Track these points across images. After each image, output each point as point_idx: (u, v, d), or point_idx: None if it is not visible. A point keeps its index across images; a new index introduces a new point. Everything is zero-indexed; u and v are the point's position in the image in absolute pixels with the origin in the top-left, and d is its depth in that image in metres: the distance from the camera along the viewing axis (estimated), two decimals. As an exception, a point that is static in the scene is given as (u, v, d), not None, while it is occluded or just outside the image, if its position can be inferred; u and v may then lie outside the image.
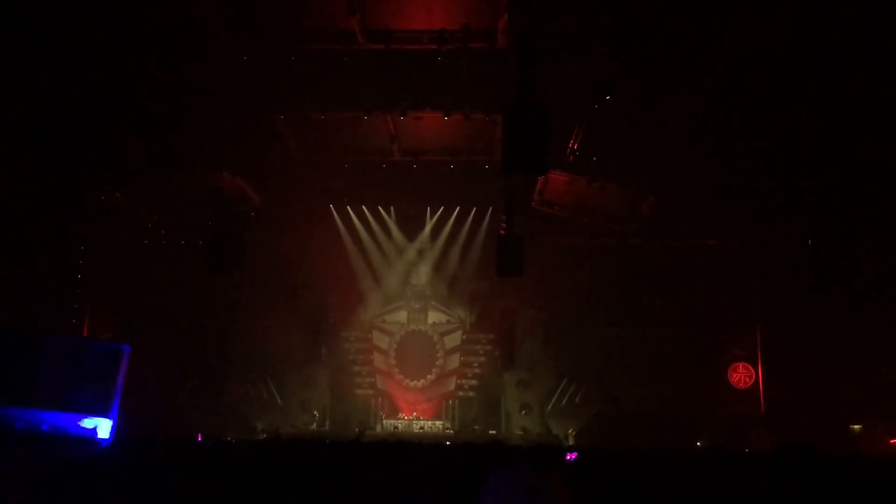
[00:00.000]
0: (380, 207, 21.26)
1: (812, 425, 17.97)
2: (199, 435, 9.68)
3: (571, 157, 15.84)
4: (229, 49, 13.34)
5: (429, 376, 21.05)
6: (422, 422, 20.00)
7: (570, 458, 7.34)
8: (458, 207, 20.98)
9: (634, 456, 8.06)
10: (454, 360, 21.19)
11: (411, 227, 21.44)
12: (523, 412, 20.47)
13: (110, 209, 18.25)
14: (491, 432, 20.04)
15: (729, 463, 7.63)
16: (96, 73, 12.36)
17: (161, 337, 19.89)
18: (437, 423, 20.06)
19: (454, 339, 21.34)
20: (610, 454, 8.05)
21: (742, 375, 19.97)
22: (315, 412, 20.43)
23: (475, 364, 21.28)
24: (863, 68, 12.65)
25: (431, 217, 21.29)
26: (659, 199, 17.51)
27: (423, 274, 21.54)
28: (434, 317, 21.52)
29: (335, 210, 21.09)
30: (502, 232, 17.27)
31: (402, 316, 21.57)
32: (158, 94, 14.28)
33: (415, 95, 14.95)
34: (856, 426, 17.36)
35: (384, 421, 20.22)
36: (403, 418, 20.22)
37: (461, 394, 21.03)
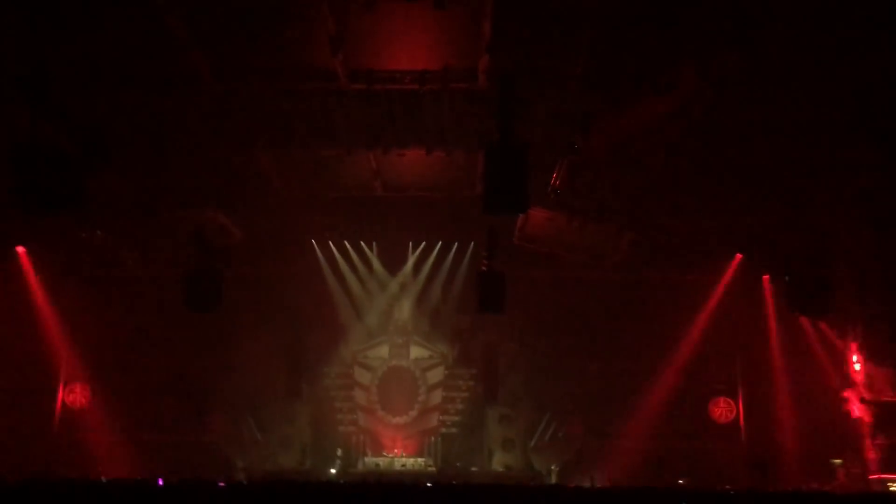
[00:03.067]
0: (362, 242, 21.25)
1: (793, 460, 18.14)
2: (161, 480, 9.55)
3: (552, 195, 15.96)
4: (212, 87, 13.39)
5: (411, 412, 20.89)
6: (404, 459, 19.79)
7: None
8: (440, 242, 21.05)
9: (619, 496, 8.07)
10: (437, 396, 21.07)
11: (393, 262, 21.44)
12: (506, 448, 20.37)
13: (89, 246, 18.12)
14: (473, 469, 19.91)
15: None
16: (78, 112, 12.43)
17: (139, 374, 19.76)
18: (420, 459, 19.84)
19: (437, 375, 21.23)
20: (592, 495, 8.05)
21: (723, 410, 20.05)
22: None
23: (458, 400, 21.14)
24: (840, 103, 12.95)
25: (413, 252, 21.32)
26: (638, 236, 17.69)
27: (405, 309, 21.49)
28: (416, 352, 21.42)
29: (317, 245, 21.06)
30: (484, 268, 17.33)
31: (383, 351, 21.45)
32: (140, 131, 14.30)
33: (397, 133, 15.04)
34: (836, 461, 17.42)
35: (366, 458, 20.00)
36: (385, 455, 20.00)
37: (444, 430, 20.84)
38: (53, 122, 11.76)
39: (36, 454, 17.88)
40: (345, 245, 21.20)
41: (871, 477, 15.85)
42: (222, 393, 20.11)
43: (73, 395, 20.12)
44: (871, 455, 16.27)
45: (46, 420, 19.63)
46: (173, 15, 11.33)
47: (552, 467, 19.59)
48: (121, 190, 15.86)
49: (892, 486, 15.15)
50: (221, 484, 9.59)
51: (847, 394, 17.24)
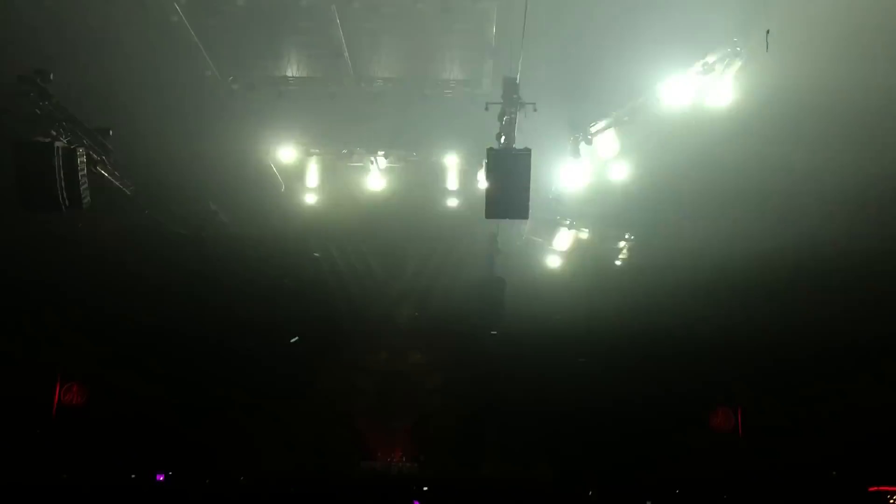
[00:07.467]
0: (363, 246, 21.15)
1: (795, 474, 18.05)
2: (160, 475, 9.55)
3: (554, 201, 15.96)
4: (220, 87, 13.40)
5: (409, 417, 20.85)
6: (401, 464, 19.72)
7: None
8: (441, 247, 20.93)
9: None
10: (435, 401, 21.02)
11: (394, 266, 21.35)
12: (505, 454, 20.33)
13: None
14: (471, 474, 19.84)
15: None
16: (80, 112, 12.41)
17: (138, 373, 19.62)
18: (416, 464, 19.79)
19: (435, 380, 21.19)
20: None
21: (721, 419, 19.98)
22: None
23: (456, 405, 21.07)
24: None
25: (414, 256, 21.20)
26: (638, 241, 17.72)
27: (405, 313, 21.45)
28: (415, 357, 21.39)
29: (318, 248, 20.90)
30: (483, 273, 17.31)
31: (382, 355, 21.43)
32: (142, 131, 14.29)
33: (400, 136, 15.09)
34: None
35: (361, 462, 19.94)
36: (381, 459, 19.92)
37: (441, 435, 20.80)
38: (55, 122, 11.76)
39: (33, 454, 17.82)
40: (346, 248, 21.08)
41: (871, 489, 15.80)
42: (219, 395, 20.04)
43: (70, 394, 20.01)
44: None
45: (44, 420, 19.49)
46: (179, 15, 11.35)
47: (550, 472, 19.53)
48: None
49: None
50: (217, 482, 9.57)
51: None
